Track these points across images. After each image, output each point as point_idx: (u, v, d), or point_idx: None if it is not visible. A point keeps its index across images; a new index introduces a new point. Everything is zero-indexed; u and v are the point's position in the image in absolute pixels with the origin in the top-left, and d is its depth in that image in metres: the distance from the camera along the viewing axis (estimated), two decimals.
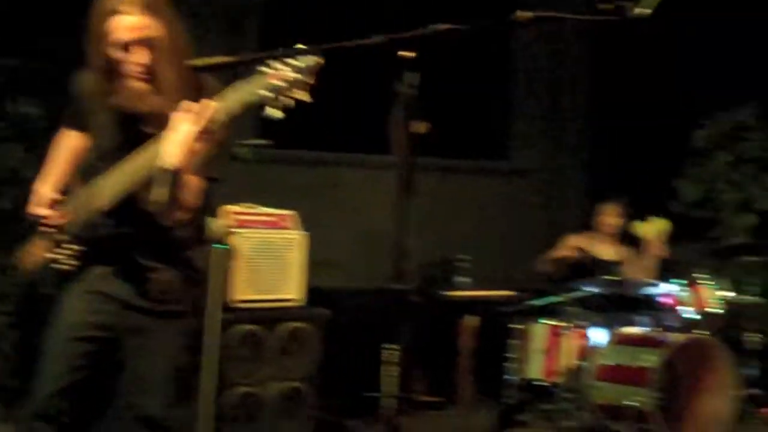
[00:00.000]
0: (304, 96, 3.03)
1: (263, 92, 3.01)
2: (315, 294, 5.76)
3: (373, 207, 6.81)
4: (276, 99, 3.00)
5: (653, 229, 6.78)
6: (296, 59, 2.97)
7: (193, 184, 3.29)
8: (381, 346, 2.64)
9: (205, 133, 3.13)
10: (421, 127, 2.48)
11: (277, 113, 3.02)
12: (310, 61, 2.97)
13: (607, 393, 6.06)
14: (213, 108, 3.10)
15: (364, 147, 7.40)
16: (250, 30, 7.54)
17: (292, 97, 3.00)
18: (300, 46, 2.97)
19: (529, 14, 2.59)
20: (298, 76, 2.99)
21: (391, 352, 2.48)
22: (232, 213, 5.54)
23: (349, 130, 7.57)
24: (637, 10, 2.55)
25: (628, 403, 5.76)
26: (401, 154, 2.49)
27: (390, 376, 2.49)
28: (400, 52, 2.58)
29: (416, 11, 7.57)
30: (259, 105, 3.03)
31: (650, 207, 8.00)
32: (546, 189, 9.10)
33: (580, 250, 7.11)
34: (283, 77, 2.98)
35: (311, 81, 3.01)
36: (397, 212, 2.47)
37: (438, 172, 8.25)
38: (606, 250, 7.09)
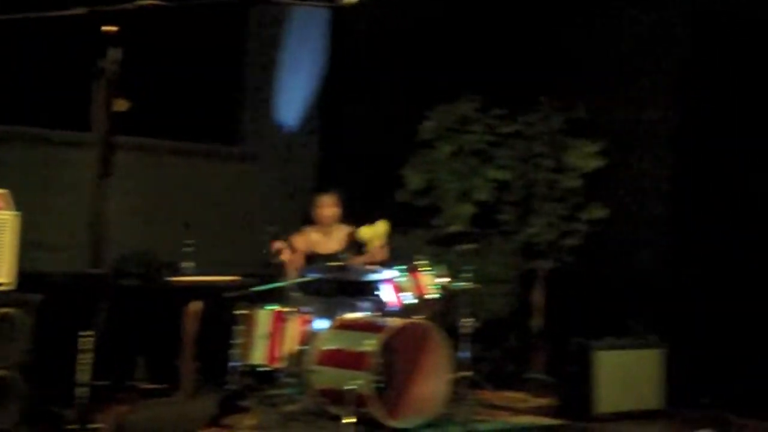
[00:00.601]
0: None
1: None
2: (27, 278, 5.46)
3: (87, 187, 6.56)
4: None
5: (374, 233, 6.87)
6: None
7: None
8: (79, 334, 2.52)
9: None
10: (121, 104, 2.38)
11: None
12: None
13: (327, 377, 6.14)
14: None
15: (80, 125, 7.14)
16: None
17: None
18: None
19: None
20: None
21: (86, 340, 2.37)
22: None
23: (66, 106, 7.26)
24: None
25: (348, 387, 5.84)
26: (100, 133, 2.38)
27: (85, 364, 2.38)
28: (103, 27, 2.46)
29: None
30: None
31: (378, 195, 8.21)
32: (277, 175, 9.10)
33: (304, 251, 7.10)
34: None
35: None
36: (96, 193, 2.36)
37: (165, 155, 8.07)
38: (326, 243, 7.14)
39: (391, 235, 6.98)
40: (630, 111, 8.26)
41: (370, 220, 6.92)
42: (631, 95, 8.25)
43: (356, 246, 7.02)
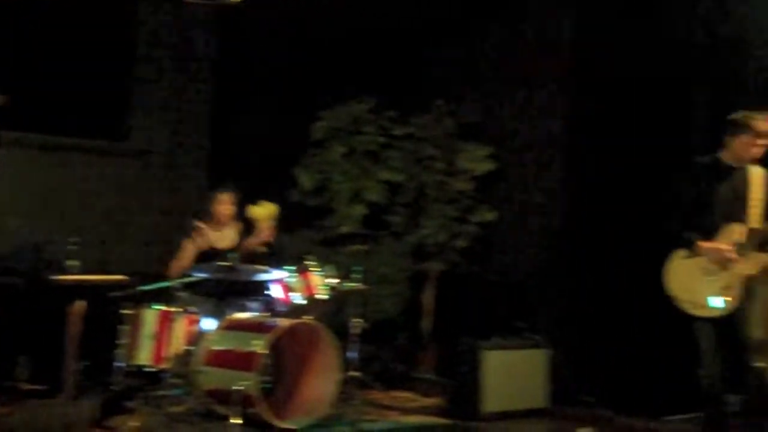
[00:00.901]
0: None
1: None
2: None
3: None
4: None
5: (264, 212, 6.86)
6: None
7: None
8: None
9: None
10: None
11: None
12: None
13: (215, 378, 6.09)
14: None
15: None
16: None
17: None
18: None
19: None
20: None
21: None
22: None
23: None
24: None
25: (235, 387, 5.78)
26: None
27: None
28: None
29: None
30: None
31: (270, 195, 8.15)
32: (166, 173, 8.98)
33: (200, 250, 7.01)
34: None
35: None
36: None
37: (51, 151, 7.88)
38: (221, 239, 7.07)
39: (279, 218, 6.95)
40: (521, 115, 8.38)
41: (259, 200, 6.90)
42: (521, 99, 8.37)
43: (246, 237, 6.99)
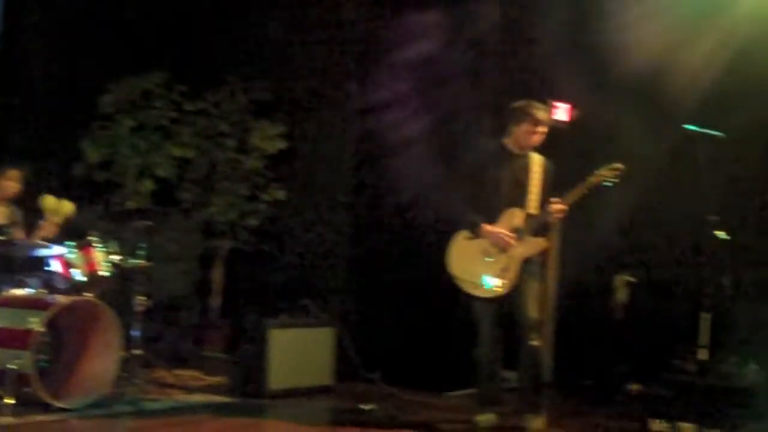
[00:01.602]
0: None
1: None
2: None
3: None
4: None
5: (59, 208, 6.60)
6: None
7: None
8: None
9: None
10: None
11: None
12: None
13: None
14: None
15: None
16: None
17: None
18: None
19: None
20: None
21: None
22: None
23: None
24: None
25: (9, 366, 5.55)
26: None
27: None
28: None
29: None
30: None
31: (55, 168, 7.88)
32: None
33: None
34: None
35: None
36: None
37: None
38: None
39: (71, 220, 6.73)
40: (313, 94, 8.43)
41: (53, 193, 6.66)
42: (313, 78, 8.42)
43: (23, 222, 6.71)
